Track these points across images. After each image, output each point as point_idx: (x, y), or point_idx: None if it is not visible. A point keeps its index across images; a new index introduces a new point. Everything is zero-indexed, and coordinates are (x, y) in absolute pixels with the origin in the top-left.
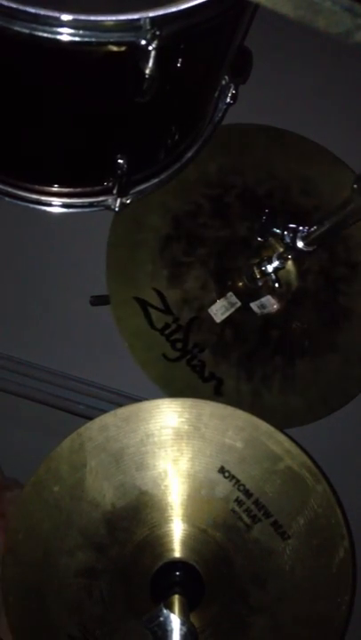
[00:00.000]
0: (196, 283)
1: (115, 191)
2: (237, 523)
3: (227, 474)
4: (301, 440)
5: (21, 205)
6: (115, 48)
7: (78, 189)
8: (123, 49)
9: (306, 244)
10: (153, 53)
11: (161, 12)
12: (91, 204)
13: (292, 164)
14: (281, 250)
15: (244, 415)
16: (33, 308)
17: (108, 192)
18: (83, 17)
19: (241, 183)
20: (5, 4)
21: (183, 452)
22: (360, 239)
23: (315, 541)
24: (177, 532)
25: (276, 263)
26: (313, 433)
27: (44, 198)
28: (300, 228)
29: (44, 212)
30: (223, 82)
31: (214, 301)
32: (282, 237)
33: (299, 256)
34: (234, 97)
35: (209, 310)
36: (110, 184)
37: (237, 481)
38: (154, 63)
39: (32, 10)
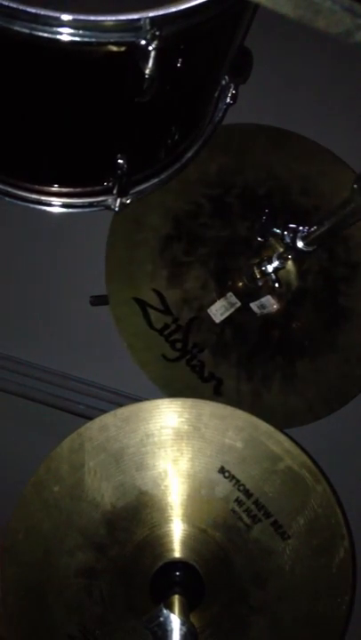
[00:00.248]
0: (196, 283)
1: (115, 191)
2: (237, 523)
3: (227, 474)
4: (301, 440)
5: (21, 205)
6: (115, 48)
7: (78, 189)
8: (123, 49)
9: (306, 244)
10: (153, 53)
11: (161, 12)
12: (91, 204)
13: (292, 164)
14: (281, 250)
15: (244, 415)
16: (33, 307)
17: (108, 192)
18: (83, 17)
19: (241, 183)
20: (5, 3)
21: (183, 452)
22: (360, 239)
23: (315, 541)
24: (177, 532)
25: (276, 263)
26: (313, 433)
27: (44, 198)
28: (300, 227)
29: (44, 211)
30: (223, 82)
31: (214, 302)
32: (282, 237)
33: (299, 256)
34: (234, 97)
35: (208, 310)
36: (110, 184)
37: (237, 481)
38: (154, 63)
39: (32, 10)
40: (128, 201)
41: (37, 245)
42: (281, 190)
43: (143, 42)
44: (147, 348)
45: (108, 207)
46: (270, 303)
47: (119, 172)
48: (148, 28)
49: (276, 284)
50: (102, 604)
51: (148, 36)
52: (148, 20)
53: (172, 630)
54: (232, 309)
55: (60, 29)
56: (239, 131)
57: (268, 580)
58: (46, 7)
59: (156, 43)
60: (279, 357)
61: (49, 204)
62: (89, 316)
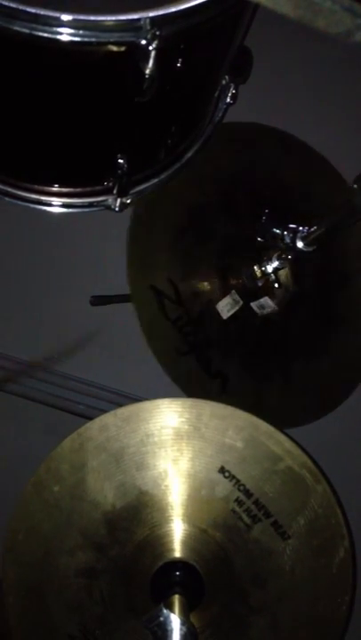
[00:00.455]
0: (205, 277)
1: (115, 191)
2: (237, 523)
3: (227, 474)
4: (301, 440)
5: (21, 205)
6: (115, 48)
7: (78, 189)
8: (123, 49)
9: (306, 244)
10: (153, 53)
11: (161, 11)
12: (91, 204)
13: (296, 169)
14: (281, 250)
15: (244, 415)
16: (33, 307)
17: (108, 192)
18: (83, 17)
19: (248, 183)
20: (5, 3)
21: (183, 452)
22: (356, 247)
23: (315, 541)
24: (177, 532)
25: (276, 263)
26: (313, 433)
27: (44, 198)
28: (300, 228)
29: (44, 211)
30: (223, 82)
31: (220, 298)
32: (282, 237)
33: (299, 256)
34: (234, 97)
35: (217, 306)
36: (110, 184)
37: (237, 481)
38: (154, 63)
39: (32, 10)
40: (128, 201)
41: (37, 245)
42: (284, 192)
43: (143, 42)
44: (163, 338)
45: (108, 207)
46: (269, 304)
47: (119, 171)
48: (148, 27)
49: (276, 285)
50: (102, 604)
51: (149, 36)
52: (148, 20)
53: (172, 630)
54: (237, 307)
55: (60, 29)
56: (255, 129)
57: (268, 580)
58: (46, 7)
59: (156, 43)
60: (278, 357)
61: (49, 204)
62: (89, 316)
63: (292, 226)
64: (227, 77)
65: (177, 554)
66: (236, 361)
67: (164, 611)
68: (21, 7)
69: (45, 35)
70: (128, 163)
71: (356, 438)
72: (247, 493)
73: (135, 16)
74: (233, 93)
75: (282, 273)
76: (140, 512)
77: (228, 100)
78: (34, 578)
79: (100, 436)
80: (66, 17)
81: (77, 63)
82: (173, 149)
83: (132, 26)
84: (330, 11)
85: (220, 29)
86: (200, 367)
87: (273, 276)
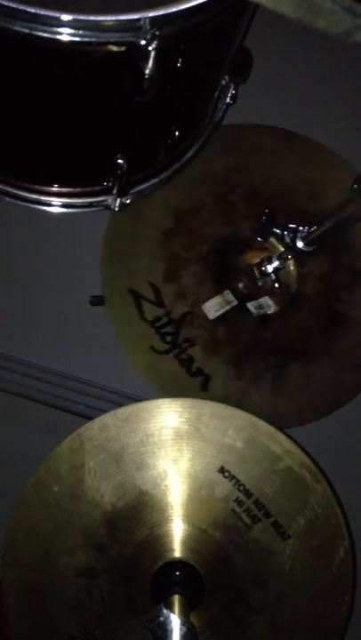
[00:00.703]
0: (194, 279)
1: (115, 191)
2: (237, 523)
3: (227, 474)
4: (301, 440)
5: (21, 205)
6: (115, 48)
7: (78, 189)
8: (123, 49)
9: (306, 244)
10: (153, 53)
11: (161, 12)
12: (91, 204)
13: (300, 167)
14: (281, 250)
15: (244, 415)
16: (33, 307)
17: (107, 192)
18: (83, 17)
19: (247, 183)
20: (5, 3)
21: (183, 452)
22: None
23: (315, 541)
24: (177, 532)
25: (276, 263)
26: (313, 433)
27: (44, 198)
28: (300, 228)
29: (44, 211)
30: (223, 82)
31: (209, 298)
32: (282, 237)
33: (299, 256)
34: (234, 97)
35: (203, 307)
36: (110, 184)
37: (237, 481)
38: (154, 63)
39: (32, 10)
40: (128, 201)
41: (37, 245)
42: (286, 193)
43: (143, 42)
44: (136, 338)
45: (107, 207)
46: (268, 304)
47: (119, 171)
48: (148, 27)
49: (276, 285)
50: (102, 604)
51: (148, 36)
52: (148, 20)
53: (172, 630)
54: (228, 307)
55: (60, 29)
56: (250, 130)
57: (268, 580)
58: (46, 7)
59: (156, 43)
60: (271, 358)
61: (49, 204)
62: (89, 316)
63: (292, 225)
64: (227, 77)
65: (177, 554)
66: (223, 360)
67: (164, 611)
68: (21, 7)
69: (45, 35)
70: (128, 163)
71: (356, 438)
72: (247, 493)
73: (135, 16)
74: (233, 93)
75: (285, 272)
76: (139, 512)
77: (228, 100)
78: (34, 578)
79: (100, 436)
80: (66, 17)
81: (77, 63)
82: (173, 149)
83: (132, 26)
84: (330, 11)
85: (220, 29)
86: (179, 365)
87: (273, 277)
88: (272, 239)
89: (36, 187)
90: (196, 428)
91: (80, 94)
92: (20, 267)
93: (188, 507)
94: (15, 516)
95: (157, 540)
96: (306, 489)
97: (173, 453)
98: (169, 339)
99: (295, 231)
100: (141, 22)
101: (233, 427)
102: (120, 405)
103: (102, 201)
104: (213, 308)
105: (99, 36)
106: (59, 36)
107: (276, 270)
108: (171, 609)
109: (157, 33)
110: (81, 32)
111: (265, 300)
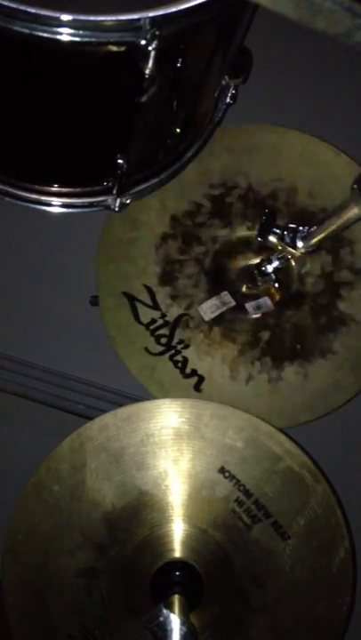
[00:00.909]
0: (189, 281)
1: (114, 191)
2: (237, 523)
3: (227, 474)
4: (301, 440)
5: (21, 205)
6: (115, 48)
7: (78, 189)
8: (123, 49)
9: (306, 245)
10: (153, 53)
11: (161, 12)
12: (90, 204)
13: (299, 167)
14: (281, 250)
15: (245, 415)
16: (33, 307)
17: (107, 192)
18: (83, 17)
19: (245, 184)
20: (5, 3)
21: (183, 452)
22: None
23: (315, 542)
24: (177, 532)
25: (275, 263)
26: (313, 433)
27: (43, 198)
28: (300, 228)
29: (44, 211)
30: (223, 82)
31: (204, 300)
32: (282, 237)
33: (299, 256)
34: (234, 97)
35: (198, 308)
36: (110, 184)
37: (237, 481)
38: (154, 63)
39: (32, 10)
40: (128, 201)
41: (37, 245)
42: (286, 192)
43: (143, 42)
44: (130, 340)
45: (107, 207)
46: (267, 304)
47: (119, 172)
48: (148, 27)
49: (276, 285)
50: (102, 604)
51: (148, 36)
52: (148, 20)
53: (171, 630)
54: (224, 308)
55: (60, 29)
56: (246, 130)
57: (267, 581)
58: (46, 7)
59: (156, 43)
60: (267, 359)
61: (49, 204)
62: (89, 316)
63: (292, 225)
64: (227, 77)
65: (177, 554)
66: (218, 361)
67: (164, 611)
68: (21, 7)
69: (45, 35)
70: (128, 163)
71: (356, 438)
72: (247, 493)
73: (135, 16)
74: (233, 93)
75: (285, 272)
76: (139, 512)
77: (228, 100)
78: (34, 578)
79: (100, 436)
80: (66, 17)
81: (77, 63)
82: (173, 149)
83: (132, 26)
84: (330, 11)
85: (220, 29)
86: (173, 367)
87: (273, 277)
88: (272, 239)
89: (36, 187)
90: (196, 428)
91: (80, 94)
92: (19, 267)
93: (189, 507)
94: (15, 517)
95: (157, 540)
96: (306, 489)
97: (174, 453)
98: (163, 340)
99: (295, 231)
100: (141, 22)
101: (233, 427)
102: (120, 405)
103: (102, 201)
104: (210, 309)
105: (99, 36)
106: (59, 36)
107: (275, 270)
108: (171, 609)
109: (157, 33)
110: (81, 32)
111: (264, 300)
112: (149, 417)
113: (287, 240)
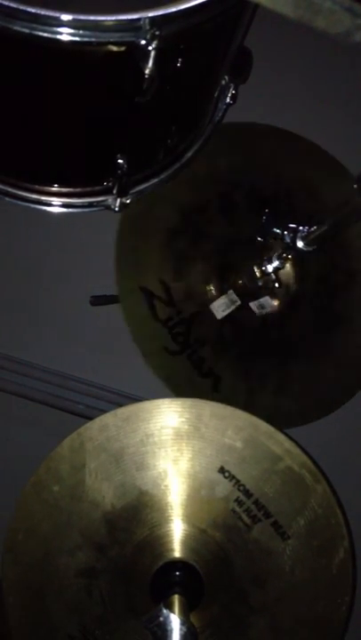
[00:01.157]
0: (200, 278)
1: (115, 191)
2: (237, 523)
3: (227, 474)
4: (301, 440)
5: (21, 205)
6: (115, 48)
7: (78, 189)
8: (123, 49)
9: (306, 244)
10: (153, 53)
11: (161, 12)
12: (91, 204)
13: (300, 167)
14: (281, 250)
15: (244, 415)
16: (33, 308)
17: (107, 192)
18: (83, 17)
19: (248, 183)
20: (5, 3)
21: (183, 452)
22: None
23: (315, 542)
24: (177, 532)
25: (276, 263)
26: (313, 433)
27: (44, 198)
28: (300, 227)
29: (44, 211)
30: (223, 82)
31: (215, 298)
32: (282, 237)
33: (299, 256)
34: (234, 97)
35: (211, 306)
36: (110, 184)
37: (237, 481)
38: (154, 63)
39: (32, 10)
40: (128, 201)
41: (37, 245)
42: (287, 192)
43: (143, 42)
44: (150, 338)
45: (107, 207)
46: (269, 304)
47: (119, 171)
48: (148, 27)
49: (276, 284)
50: (102, 604)
51: (148, 36)
52: (148, 20)
53: (171, 630)
54: (233, 307)
55: (60, 29)
56: (253, 130)
57: (267, 581)
58: (46, 7)
59: (156, 43)
60: (275, 358)
61: (49, 204)
62: (89, 316)
63: (292, 225)
64: (227, 77)
65: (177, 554)
66: (231, 360)
67: (164, 611)
68: (21, 7)
69: (45, 35)
70: (128, 163)
71: (356, 438)
72: (247, 493)
73: (135, 16)
74: (233, 93)
75: (283, 272)
76: (139, 512)
77: (228, 100)
78: (34, 578)
79: (100, 436)
80: (66, 17)
81: (77, 63)
82: (173, 149)
83: (132, 26)
84: (330, 11)
85: (220, 29)
86: (191, 366)
87: (273, 276)
88: (272, 239)
89: (37, 187)
90: (196, 428)
91: (80, 94)
92: (19, 267)
93: (188, 507)
94: (15, 517)
95: (157, 540)
96: (306, 489)
97: (173, 453)
98: (180, 339)
99: (295, 231)
100: (141, 22)
101: (233, 427)
102: (120, 405)
103: (102, 201)
104: (220, 307)
105: (99, 36)
106: (59, 36)
107: (276, 270)
108: (171, 609)
109: (157, 33)
110: (81, 32)
111: (266, 299)
112: (149, 417)
113: (287, 240)
